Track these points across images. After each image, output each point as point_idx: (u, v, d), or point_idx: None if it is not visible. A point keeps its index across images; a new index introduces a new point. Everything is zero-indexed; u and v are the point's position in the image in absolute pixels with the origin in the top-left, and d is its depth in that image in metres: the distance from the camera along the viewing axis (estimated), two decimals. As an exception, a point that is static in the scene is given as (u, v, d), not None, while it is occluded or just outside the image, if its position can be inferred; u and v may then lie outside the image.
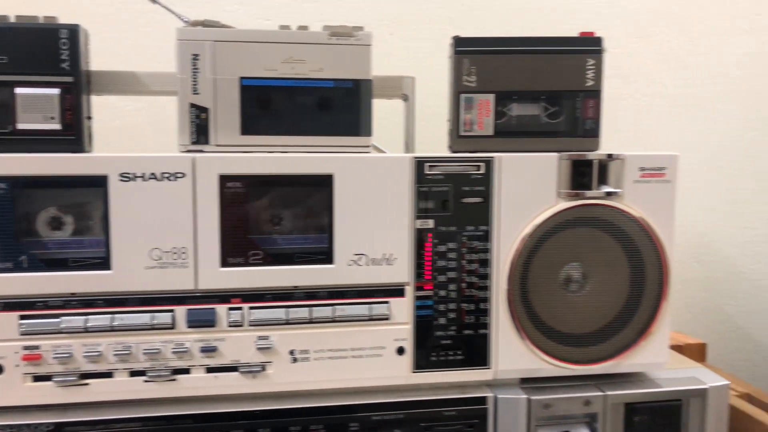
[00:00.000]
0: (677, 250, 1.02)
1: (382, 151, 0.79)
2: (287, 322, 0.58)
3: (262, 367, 0.58)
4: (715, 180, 1.03)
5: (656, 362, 0.65)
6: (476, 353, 0.62)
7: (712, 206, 1.03)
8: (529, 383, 0.64)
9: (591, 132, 0.67)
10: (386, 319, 0.60)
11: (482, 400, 0.61)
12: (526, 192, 0.61)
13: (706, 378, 0.66)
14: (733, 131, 1.03)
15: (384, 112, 0.82)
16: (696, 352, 0.92)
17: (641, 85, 1.01)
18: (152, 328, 0.57)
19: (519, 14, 0.98)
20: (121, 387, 0.57)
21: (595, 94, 0.67)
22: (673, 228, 0.63)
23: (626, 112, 1.01)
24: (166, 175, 0.56)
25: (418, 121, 0.93)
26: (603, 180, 0.63)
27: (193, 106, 0.61)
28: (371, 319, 0.59)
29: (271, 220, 0.59)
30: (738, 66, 1.02)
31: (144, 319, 0.56)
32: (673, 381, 0.65)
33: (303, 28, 0.63)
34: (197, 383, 0.58)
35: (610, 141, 1.00)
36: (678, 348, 0.91)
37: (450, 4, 0.97)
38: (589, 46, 0.66)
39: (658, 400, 0.63)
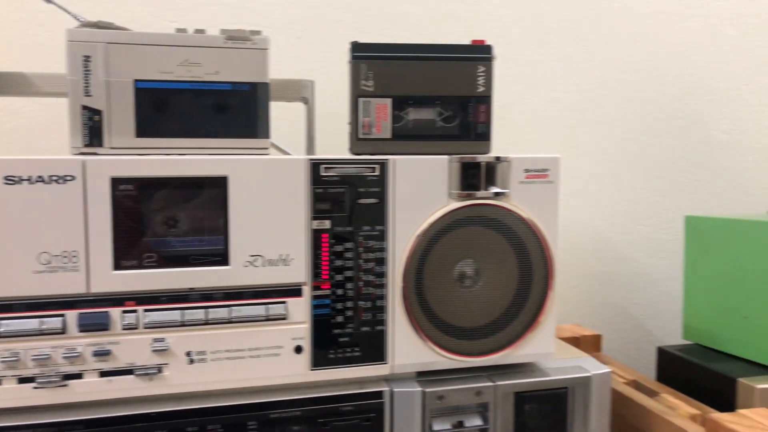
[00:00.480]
0: (576, 246, 1.09)
1: (286, 153, 0.81)
2: (183, 324, 0.58)
3: (158, 369, 0.58)
4: (610, 180, 1.09)
5: (544, 352, 0.69)
6: (373, 349, 0.64)
7: (607, 205, 1.09)
8: (425, 376, 0.66)
9: (482, 136, 0.70)
10: (283, 318, 0.61)
11: (378, 395, 0.63)
12: (420, 193, 0.64)
13: (591, 367, 0.70)
14: (625, 134, 1.10)
15: (297, 114, 0.84)
16: (592, 344, 0.98)
17: (540, 91, 1.06)
18: (41, 333, 0.56)
19: (423, 21, 1.01)
20: (9, 395, 0.56)
21: (485, 99, 0.70)
22: (557, 225, 0.67)
23: (527, 116, 1.06)
24: (55, 178, 0.55)
25: (327, 124, 0.95)
26: (491, 181, 0.66)
27: (85, 108, 0.60)
28: (268, 319, 0.60)
29: (165, 223, 0.59)
30: (629, 73, 1.09)
31: (32, 324, 0.55)
32: (559, 370, 0.69)
33: (200, 31, 0.63)
34: (90, 388, 0.57)
35: (512, 144, 1.05)
36: (575, 340, 0.97)
37: (356, 9, 0.99)
38: (479, 53, 0.70)
39: (546, 389, 0.67)
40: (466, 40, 0.70)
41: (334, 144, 0.79)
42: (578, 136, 1.08)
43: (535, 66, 1.06)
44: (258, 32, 0.65)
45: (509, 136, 1.05)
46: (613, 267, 1.10)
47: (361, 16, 0.99)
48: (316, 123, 0.96)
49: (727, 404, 0.76)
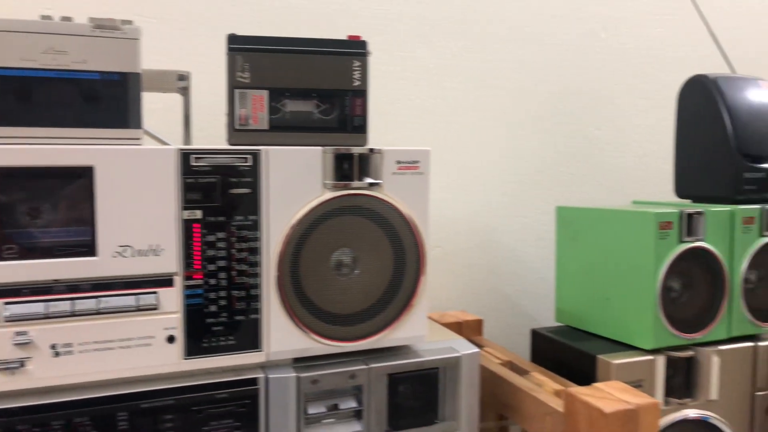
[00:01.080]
0: (461, 236, 1.13)
1: (165, 143, 0.80)
2: (47, 317, 0.57)
3: (21, 363, 0.57)
4: (493, 174, 1.15)
5: (417, 335, 0.72)
6: (248, 337, 0.65)
7: (490, 197, 1.15)
8: (302, 362, 0.68)
9: (359, 128, 0.73)
10: (154, 309, 0.61)
11: (253, 381, 0.64)
12: (294, 183, 0.65)
13: (461, 347, 0.74)
14: (506, 130, 1.15)
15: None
16: (474, 328, 1.03)
17: (426, 87, 1.10)
18: None
19: (308, 17, 1.03)
20: None
21: (361, 93, 0.73)
22: (428, 214, 0.71)
23: (413, 111, 1.09)
24: None
25: (210, 115, 0.94)
26: (365, 172, 0.68)
27: (-61, 95, 0.58)
28: (139, 309, 0.60)
29: (28, 213, 0.58)
30: (511, 71, 1.15)
31: None
32: (431, 351, 0.72)
33: (66, 19, 0.62)
34: (-54, 385, 0.55)
35: (398, 138, 1.08)
36: (458, 325, 1.01)
37: (243, 2, 0.99)
38: (355, 48, 0.72)
39: (418, 370, 0.70)
40: (344, 36, 0.73)
41: (219, 135, 0.80)
42: (463, 132, 1.13)
43: (420, 63, 1.09)
44: (129, 22, 0.64)
45: (396, 131, 1.08)
46: (496, 256, 1.16)
47: (249, 9, 0.99)
48: (203, 115, 0.96)
49: (589, 379, 0.82)
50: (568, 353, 0.88)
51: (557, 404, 0.74)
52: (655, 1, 1.25)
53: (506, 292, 1.17)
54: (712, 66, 1.23)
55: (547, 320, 1.14)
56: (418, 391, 0.71)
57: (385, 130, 1.08)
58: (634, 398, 0.69)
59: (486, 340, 1.01)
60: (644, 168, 1.24)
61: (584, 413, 0.68)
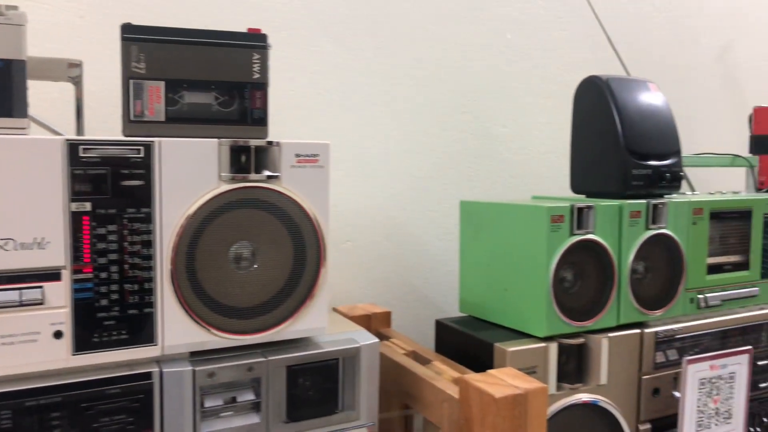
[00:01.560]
0: (371, 230, 1.15)
1: (58, 133, 0.78)
2: None
3: None
4: (401, 169, 1.17)
5: (317, 327, 0.73)
6: (142, 332, 0.64)
7: (399, 192, 1.17)
8: (200, 356, 0.67)
9: (259, 121, 0.73)
10: (40, 303, 0.59)
11: (147, 376, 0.63)
12: (188, 175, 0.65)
13: (361, 338, 0.75)
14: (415, 127, 1.18)
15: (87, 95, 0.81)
16: (382, 320, 1.04)
17: (335, 83, 1.10)
18: None
19: (211, 9, 1.01)
20: None
21: (261, 86, 0.73)
22: (328, 207, 0.72)
23: (323, 106, 1.10)
24: None
25: (110, 106, 0.92)
26: (263, 165, 0.69)
27: None
28: (22, 304, 0.58)
29: None
30: (419, 69, 1.17)
31: None
32: (331, 343, 0.73)
33: (-57, 1, 0.59)
34: None
35: (307, 132, 1.09)
36: (367, 317, 1.03)
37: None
38: (255, 41, 0.72)
39: (317, 361, 0.71)
40: (264, 31, 0.72)
41: (118, 127, 0.78)
42: (373, 128, 1.14)
43: (330, 59, 1.10)
44: (14, 7, 0.62)
45: (306, 125, 1.09)
46: (406, 249, 1.18)
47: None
48: (104, 106, 0.93)
49: (488, 367, 0.85)
50: (468, 342, 0.91)
51: (454, 391, 0.76)
52: (558, 5, 1.31)
53: (415, 285, 1.19)
54: (610, 68, 1.30)
55: (455, 311, 1.17)
56: (317, 382, 0.72)
57: (294, 124, 1.08)
58: (523, 383, 0.72)
59: (393, 332, 1.03)
60: (547, 165, 1.30)
61: (477, 399, 0.71)
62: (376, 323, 1.04)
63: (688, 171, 1.41)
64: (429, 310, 1.20)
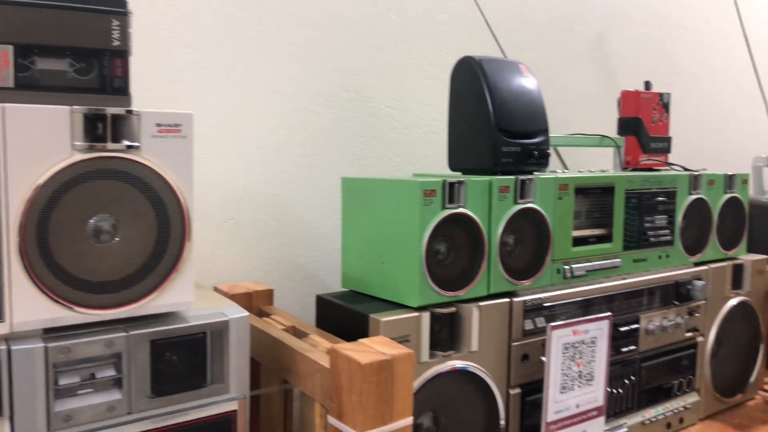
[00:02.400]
0: (255, 209, 1.14)
1: None
2: None
3: None
4: (287, 148, 1.16)
5: (183, 301, 0.72)
6: (-13, 308, 0.61)
7: (285, 171, 1.16)
8: (56, 332, 0.65)
9: (120, 90, 0.70)
10: None
11: (-7, 354, 0.61)
12: (38, 144, 0.62)
13: (231, 312, 0.75)
14: (299, 105, 1.18)
15: None
16: (264, 298, 1.04)
17: (214, 58, 1.08)
18: None
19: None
20: None
21: (122, 53, 0.70)
22: (192, 178, 0.71)
23: (203, 81, 1.08)
24: None
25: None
26: (121, 134, 0.67)
27: None
28: None
29: None
30: (302, 46, 1.17)
31: None
32: (199, 317, 0.72)
33: None
34: None
35: (184, 106, 1.06)
36: (247, 295, 1.02)
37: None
38: (113, 6, 0.69)
39: (183, 335, 0.70)
40: (144, 3, 0.70)
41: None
42: (255, 105, 1.13)
43: (212, 34, 1.08)
44: None
45: (183, 100, 1.06)
46: (293, 228, 1.18)
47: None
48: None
49: (364, 338, 0.87)
50: (346, 315, 0.92)
51: (325, 361, 0.77)
52: (442, -11, 1.34)
53: (301, 263, 1.20)
54: (491, 50, 1.35)
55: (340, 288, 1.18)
56: (183, 356, 0.71)
57: (171, 98, 1.05)
58: (391, 350, 0.74)
59: (275, 309, 1.03)
60: (431, 144, 1.33)
61: (345, 367, 0.73)
62: (258, 301, 1.03)
63: (563, 151, 1.49)
64: (316, 287, 1.21)
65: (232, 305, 0.78)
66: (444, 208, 0.89)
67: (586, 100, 1.62)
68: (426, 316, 0.88)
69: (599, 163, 1.55)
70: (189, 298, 0.72)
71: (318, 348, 0.84)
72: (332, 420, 0.75)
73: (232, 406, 0.74)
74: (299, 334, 0.91)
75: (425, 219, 0.88)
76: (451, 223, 0.91)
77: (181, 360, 0.71)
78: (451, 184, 0.90)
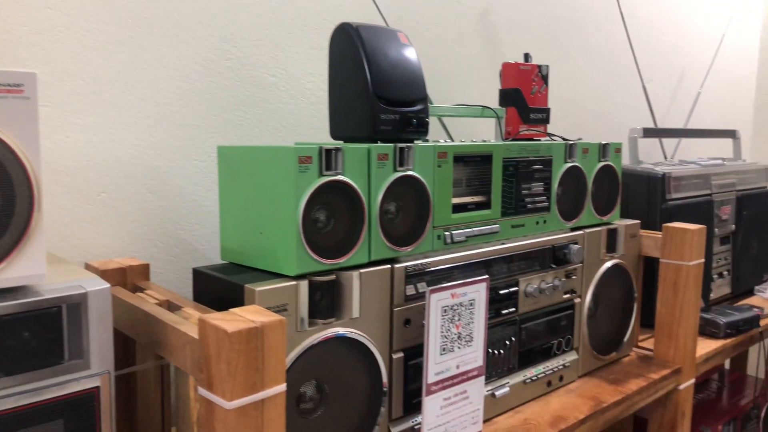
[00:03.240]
0: (130, 181, 1.09)
1: None
2: None
3: None
4: (164, 118, 1.12)
5: (34, 274, 0.67)
6: None
7: (162, 142, 1.12)
8: None
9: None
10: None
11: None
12: None
13: (90, 285, 0.71)
14: (176, 73, 1.13)
15: None
16: (139, 273, 1.00)
17: (82, 22, 1.02)
18: None
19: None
20: None
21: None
22: (39, 143, 0.66)
23: (71, 46, 1.01)
24: None
25: None
26: (-48, 94, 0.61)
27: None
28: None
29: None
30: (179, 12, 1.12)
31: None
32: (53, 290, 0.69)
33: None
34: None
35: (47, 70, 0.99)
36: (121, 271, 0.98)
37: None
38: (-60, -45, 0.64)
39: (35, 309, 0.66)
40: None
41: None
42: (128, 73, 1.08)
43: (73, -7, 1.01)
44: None
45: (49, 65, 0.99)
46: (172, 201, 1.14)
47: None
48: None
49: (240, 309, 0.85)
50: (222, 287, 0.90)
51: (195, 332, 0.75)
52: (326, -44, 1.32)
53: (182, 237, 1.16)
54: (377, 21, 1.34)
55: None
56: (36, 332, 0.67)
57: (33, 63, 0.98)
58: (261, 318, 0.73)
59: (150, 284, 0.99)
60: (318, 115, 1.32)
61: (213, 336, 0.71)
62: (133, 276, 0.99)
63: (450, 124, 1.52)
64: (198, 262, 1.17)
65: (94, 278, 0.74)
66: (321, 175, 0.89)
67: (474, 73, 1.65)
68: (304, 285, 0.88)
69: (486, 135, 1.59)
70: (40, 270, 0.68)
71: (190, 321, 0.81)
72: (202, 391, 0.73)
73: (94, 382, 0.71)
74: (173, 308, 0.89)
75: (301, 186, 0.87)
76: (329, 191, 0.91)
77: (35, 336, 0.66)
78: (328, 151, 0.89)
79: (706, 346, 1.55)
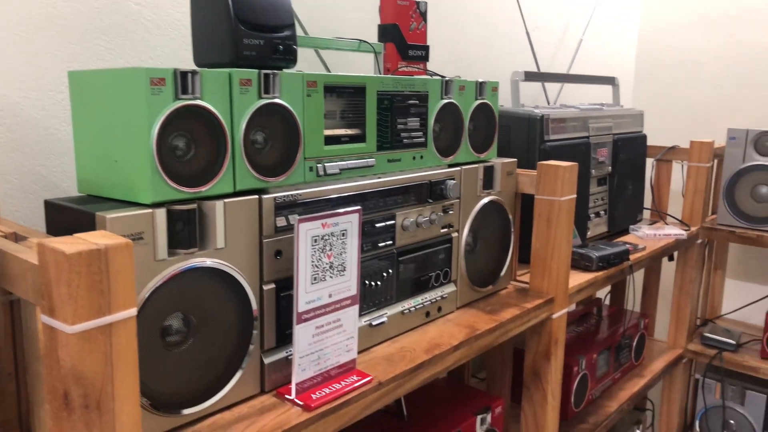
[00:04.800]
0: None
1: None
2: None
3: None
4: (11, 44, 1.04)
5: None
6: None
7: (9, 68, 1.04)
8: None
9: None
10: None
11: None
12: None
13: None
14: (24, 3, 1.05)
15: None
16: (-13, 208, 0.94)
17: None
18: None
19: None
20: None
21: None
22: None
23: None
24: None
25: None
26: None
27: None
28: None
29: None
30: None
31: None
32: None
33: None
34: None
35: None
36: (-36, 205, 0.92)
37: None
38: None
39: None
40: None
41: None
42: None
43: None
44: None
45: None
46: (26, 134, 1.07)
47: None
48: None
49: (93, 239, 0.82)
50: (74, 217, 0.86)
51: (35, 259, 0.72)
52: None
53: (41, 173, 1.09)
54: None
55: (86, 198, 1.10)
56: None
57: None
58: (105, 240, 0.70)
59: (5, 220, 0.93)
60: (189, 47, 1.26)
61: (52, 260, 0.68)
62: (-21, 212, 0.93)
63: (329, 60, 1.50)
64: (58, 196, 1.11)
65: None
66: (177, 98, 0.85)
67: (357, 7, 1.63)
68: (161, 213, 0.85)
69: (366, 72, 1.58)
70: None
71: (32, 249, 0.77)
72: (45, 318, 0.70)
73: None
74: (20, 239, 0.84)
75: (154, 110, 0.83)
76: (187, 116, 0.87)
77: None
78: (183, 73, 0.86)
79: (579, 279, 1.64)
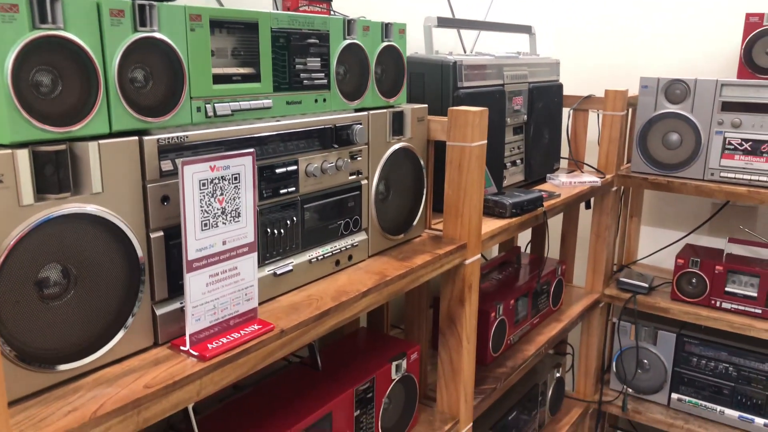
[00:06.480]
0: None
1: None
2: None
3: None
4: None
5: None
6: None
7: None
8: None
9: None
10: None
11: None
12: None
13: None
14: None
15: None
16: None
17: None
18: None
19: None
20: None
21: None
22: None
23: None
24: None
25: None
26: None
27: None
28: None
29: None
30: None
31: None
32: None
33: None
34: None
35: None
36: None
37: None
38: None
39: None
40: None
41: None
42: None
43: None
44: None
45: None
46: None
47: None
48: None
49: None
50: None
51: None
52: None
53: None
54: None
55: None
56: None
57: None
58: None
59: None
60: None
61: None
62: None
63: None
64: None
65: None
66: (35, 28, 0.78)
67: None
68: (23, 154, 0.78)
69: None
70: None
71: None
72: None
73: None
74: None
75: (6, 40, 0.76)
76: (49, 49, 0.80)
77: None
78: (41, 0, 0.78)
79: (493, 225, 1.64)
